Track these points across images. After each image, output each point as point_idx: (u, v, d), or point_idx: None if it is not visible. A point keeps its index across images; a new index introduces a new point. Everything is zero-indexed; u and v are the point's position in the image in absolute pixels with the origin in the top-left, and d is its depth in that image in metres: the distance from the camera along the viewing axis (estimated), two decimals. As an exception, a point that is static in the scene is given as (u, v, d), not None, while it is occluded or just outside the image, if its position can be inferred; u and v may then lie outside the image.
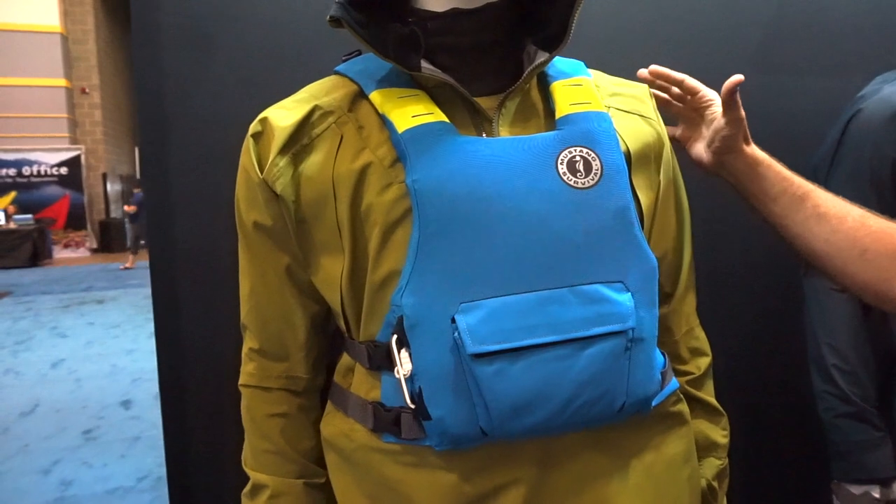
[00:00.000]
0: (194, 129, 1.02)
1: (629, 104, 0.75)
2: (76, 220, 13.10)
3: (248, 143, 0.72)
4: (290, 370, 0.77)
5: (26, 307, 7.60)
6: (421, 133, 0.64)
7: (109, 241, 13.16)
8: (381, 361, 0.66)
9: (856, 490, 1.03)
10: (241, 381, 0.78)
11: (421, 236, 0.62)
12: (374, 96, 0.68)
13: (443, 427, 0.61)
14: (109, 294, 8.33)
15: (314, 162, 0.68)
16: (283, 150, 0.69)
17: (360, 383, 0.70)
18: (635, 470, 0.70)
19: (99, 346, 5.72)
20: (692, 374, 0.84)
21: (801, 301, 1.12)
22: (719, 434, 0.85)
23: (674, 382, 0.74)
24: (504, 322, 0.60)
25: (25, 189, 12.92)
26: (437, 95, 0.68)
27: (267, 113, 0.72)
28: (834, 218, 0.75)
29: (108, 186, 14.01)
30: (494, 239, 0.62)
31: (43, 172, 13.13)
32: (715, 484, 0.84)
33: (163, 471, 3.25)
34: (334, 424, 0.73)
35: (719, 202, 1.17)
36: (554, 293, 0.62)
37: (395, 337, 0.63)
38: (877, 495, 1.02)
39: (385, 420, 0.66)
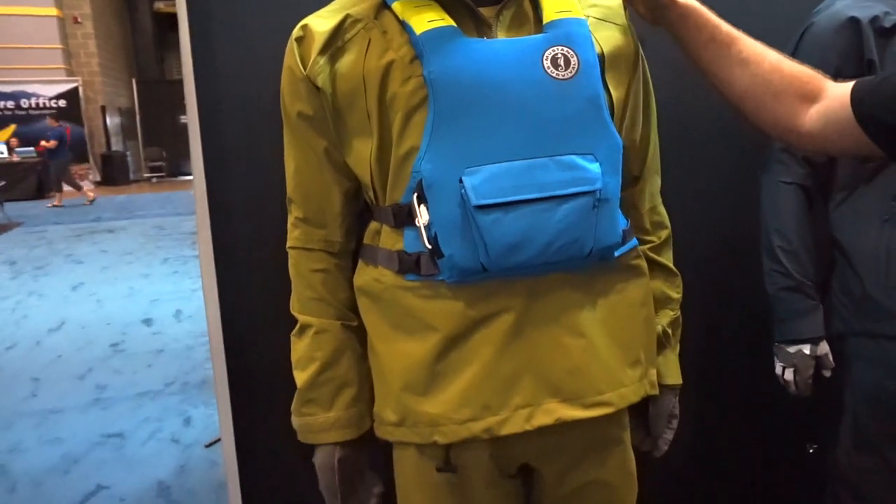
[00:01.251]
0: (242, 40, 1.16)
1: (605, 13, 0.91)
2: (79, 153, 13.15)
3: (292, 45, 0.88)
4: (328, 235, 0.96)
5: (39, 236, 7.82)
6: (435, 35, 0.80)
7: (113, 173, 13.25)
8: (404, 218, 0.85)
9: (792, 349, 1.24)
10: (288, 244, 0.97)
11: (435, 118, 0.80)
12: (396, 6, 0.84)
13: (452, 262, 0.80)
14: (119, 224, 8.53)
15: (347, 61, 0.85)
16: (322, 51, 0.85)
17: (387, 239, 0.90)
18: (602, 306, 0.90)
19: (114, 270, 5.96)
20: (654, 242, 1.03)
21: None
22: (674, 291, 1.05)
23: (634, 241, 0.94)
24: (500, 182, 0.79)
25: (25, 122, 12.92)
26: (447, 5, 0.84)
27: (307, 21, 0.88)
28: (753, 62, 0.85)
29: (108, 120, 13.99)
30: (493, 119, 0.80)
31: (41, 105, 13.10)
32: (669, 330, 1.05)
33: (188, 377, 3.54)
34: (366, 274, 0.93)
35: (689, 114, 1.33)
36: (538, 161, 0.80)
37: (415, 195, 0.81)
38: (807, 352, 1.23)
39: (407, 263, 0.86)
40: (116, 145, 13.92)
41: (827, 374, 1.24)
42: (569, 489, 0.95)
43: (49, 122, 11.75)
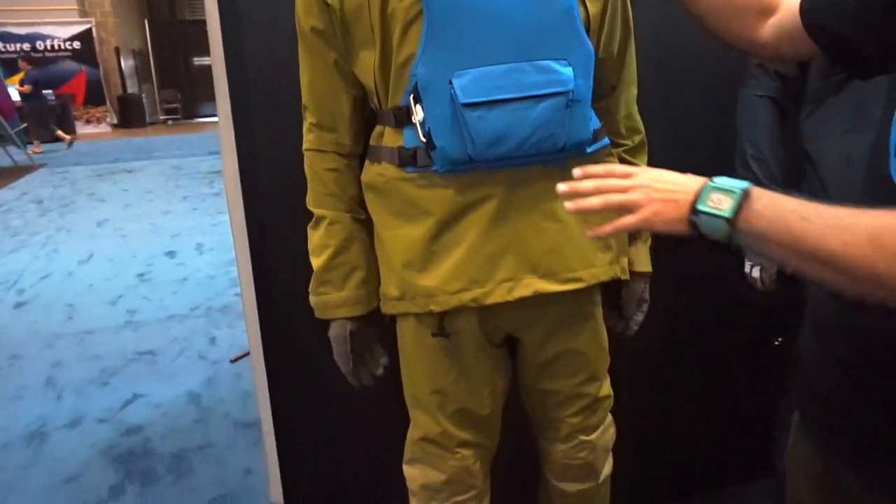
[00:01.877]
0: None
1: None
2: (95, 95, 13.24)
3: None
4: (338, 138, 1.09)
5: (62, 177, 8.03)
6: None
7: (129, 115, 13.35)
8: (403, 118, 0.98)
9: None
10: (304, 147, 1.11)
11: (429, 28, 0.92)
12: None
13: (444, 153, 0.94)
14: (137, 165, 8.70)
15: None
16: None
17: (389, 139, 1.03)
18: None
19: (137, 208, 6.17)
20: (628, 145, 1.16)
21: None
22: (645, 189, 1.18)
23: (606, 140, 1.06)
24: (484, 83, 0.91)
25: (41, 65, 12.96)
26: None
27: None
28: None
29: (122, 62, 13.99)
30: (479, 28, 0.91)
31: (56, 47, 13.10)
32: (640, 225, 1.18)
33: (211, 303, 3.76)
34: (371, 171, 1.07)
35: (671, 30, 1.42)
36: (518, 65, 0.92)
37: (412, 96, 0.94)
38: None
39: (406, 156, 0.99)
40: (132, 88, 13.96)
41: (789, 271, 1.38)
42: (547, 357, 1.11)
43: (21, 64, 11.57)
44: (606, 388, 1.19)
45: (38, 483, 2.18)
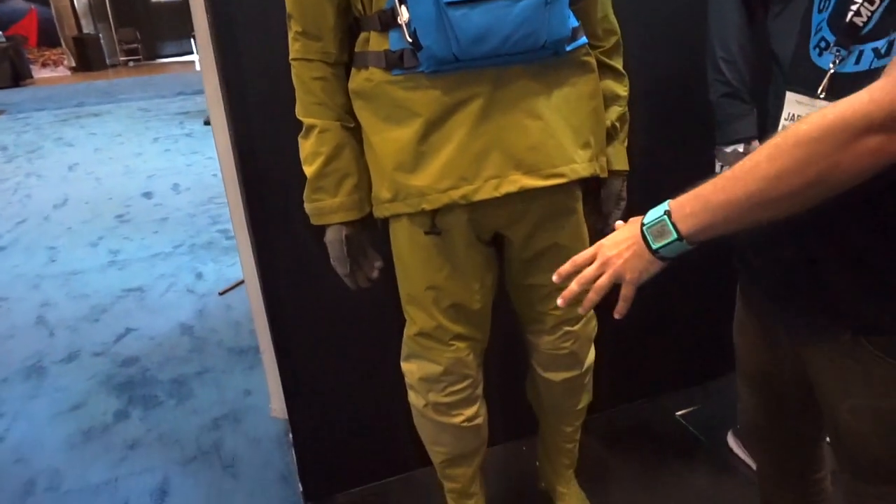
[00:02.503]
0: None
1: None
2: (48, 36, 12.68)
3: None
4: (324, 47, 1.11)
5: (24, 122, 7.78)
6: None
7: (87, 58, 12.80)
8: (388, 20, 1.01)
9: (728, 149, 1.44)
10: (291, 56, 1.13)
11: None
12: None
13: (430, 53, 0.97)
14: (103, 108, 8.45)
15: None
16: None
17: (374, 43, 1.06)
18: (556, 95, 1.08)
19: (107, 151, 6.04)
20: (604, 46, 1.20)
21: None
22: (622, 89, 1.23)
23: (583, 39, 1.10)
24: None
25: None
26: None
27: None
28: None
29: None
30: None
31: (3, -15, 12.42)
32: (617, 124, 1.24)
33: (194, 240, 3.78)
34: (358, 77, 1.10)
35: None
36: None
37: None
38: (741, 150, 1.43)
39: (393, 58, 1.02)
40: (87, 28, 13.33)
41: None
42: (532, 252, 1.18)
43: None
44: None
45: (44, 412, 2.26)
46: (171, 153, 5.84)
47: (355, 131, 1.16)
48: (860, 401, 0.80)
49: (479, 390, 1.31)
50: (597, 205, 1.29)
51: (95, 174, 5.29)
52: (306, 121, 1.14)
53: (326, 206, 1.15)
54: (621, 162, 1.26)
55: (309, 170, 1.15)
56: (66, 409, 2.27)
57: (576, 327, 1.29)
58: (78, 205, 4.54)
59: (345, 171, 1.15)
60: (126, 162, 5.62)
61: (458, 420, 1.29)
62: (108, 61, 13.34)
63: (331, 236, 1.18)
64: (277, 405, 1.95)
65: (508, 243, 1.20)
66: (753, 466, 1.71)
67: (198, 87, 9.10)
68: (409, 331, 1.26)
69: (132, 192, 4.74)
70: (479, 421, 1.32)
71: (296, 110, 1.16)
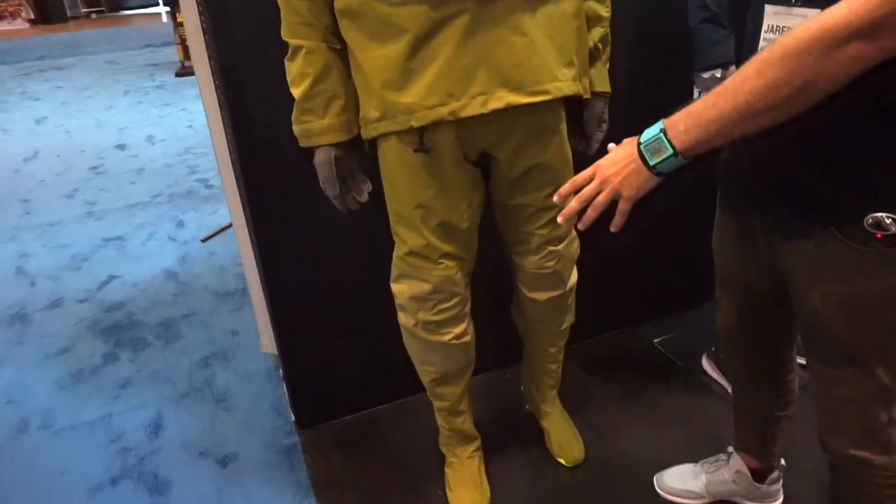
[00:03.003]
0: None
1: None
2: (4, -13, 12.08)
3: None
4: (307, -32, 1.11)
5: (-15, 77, 7.50)
6: None
7: (47, 9, 12.27)
8: (374, -66, 1.01)
9: (706, 75, 1.48)
10: (274, -23, 1.13)
11: None
12: None
13: (417, -35, 0.98)
14: (67, 61, 8.16)
15: None
16: None
17: (360, -43, 1.06)
18: (541, 13, 1.09)
19: (76, 105, 5.87)
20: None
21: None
22: (604, 10, 1.25)
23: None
24: None
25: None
26: None
27: None
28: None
29: (29, -52, 12.66)
30: None
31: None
32: (600, 45, 1.26)
33: (172, 190, 3.74)
34: (344, -6, 1.10)
35: None
36: None
37: None
38: (718, 76, 1.46)
39: (379, -27, 1.03)
40: (45, -22, 12.75)
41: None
42: (518, 172, 1.21)
43: None
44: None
45: (31, 357, 2.27)
46: (143, 105, 5.71)
47: (342, 53, 1.17)
48: (829, 287, 0.86)
49: (468, 308, 1.36)
50: (579, 127, 1.32)
51: (65, 127, 5.15)
52: (292, 42, 1.14)
53: (315, 128, 1.17)
54: (603, 84, 1.28)
55: (296, 91, 1.15)
56: (54, 353, 2.29)
57: (559, 247, 1.34)
58: (49, 157, 4.44)
59: (332, 92, 1.16)
60: (97, 115, 5.47)
61: (447, 338, 1.33)
62: (68, 13, 12.82)
63: (319, 158, 1.20)
64: (267, 340, 1.99)
65: (495, 163, 1.23)
66: (726, 385, 1.81)
67: (166, 39, 8.83)
68: (398, 251, 1.29)
69: (105, 145, 4.64)
70: (467, 339, 1.37)
71: (281, 31, 1.16)
